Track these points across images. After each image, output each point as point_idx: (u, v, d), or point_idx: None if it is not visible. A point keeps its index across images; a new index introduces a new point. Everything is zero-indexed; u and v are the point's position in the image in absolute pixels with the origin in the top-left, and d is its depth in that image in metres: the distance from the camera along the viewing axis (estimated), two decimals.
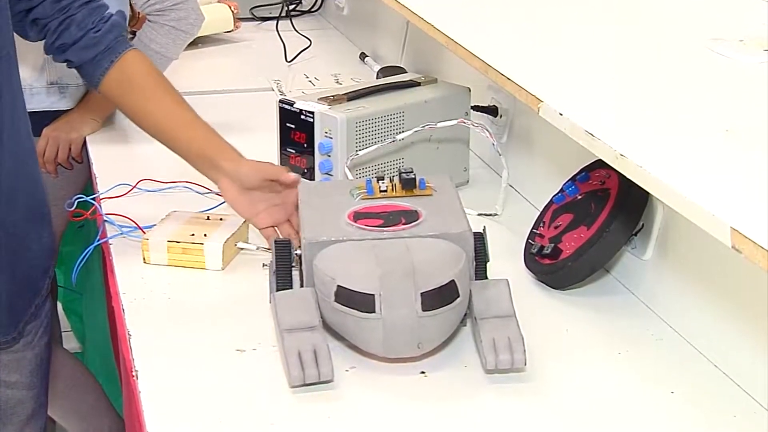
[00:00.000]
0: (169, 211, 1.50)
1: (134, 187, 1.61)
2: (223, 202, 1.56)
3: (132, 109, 1.44)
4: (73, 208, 1.52)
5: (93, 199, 1.55)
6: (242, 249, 1.44)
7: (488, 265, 1.26)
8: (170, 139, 1.42)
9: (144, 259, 1.41)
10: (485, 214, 1.56)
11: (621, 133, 1.18)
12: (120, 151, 1.86)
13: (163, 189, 1.62)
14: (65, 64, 1.45)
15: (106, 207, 1.56)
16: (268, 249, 1.42)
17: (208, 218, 1.47)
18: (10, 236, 1.41)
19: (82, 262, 1.48)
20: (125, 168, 1.73)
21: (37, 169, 1.49)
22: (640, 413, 1.11)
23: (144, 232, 1.44)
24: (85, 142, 1.93)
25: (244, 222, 1.45)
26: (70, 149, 1.93)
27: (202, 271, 1.40)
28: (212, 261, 1.39)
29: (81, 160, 1.96)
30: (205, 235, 1.41)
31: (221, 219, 1.46)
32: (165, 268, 1.41)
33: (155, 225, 1.45)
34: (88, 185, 1.97)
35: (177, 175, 1.63)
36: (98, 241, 1.49)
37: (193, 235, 1.41)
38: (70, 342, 2.54)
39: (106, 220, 1.51)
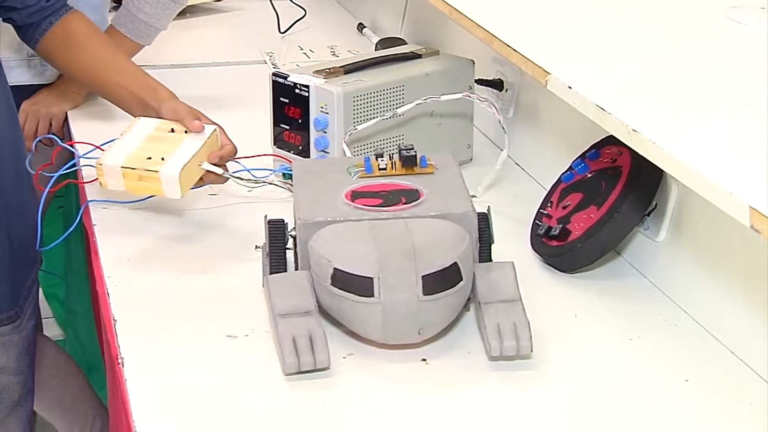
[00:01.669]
0: None
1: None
2: None
3: (66, 63, 1.54)
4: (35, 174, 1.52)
5: (72, 175, 1.54)
6: (207, 171, 1.40)
7: (493, 246, 1.27)
8: (103, 86, 1.52)
9: (101, 184, 1.38)
10: None
11: (633, 107, 1.18)
12: (103, 127, 1.86)
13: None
14: (4, 20, 1.52)
15: (90, 191, 1.56)
16: (238, 177, 1.44)
17: (172, 130, 1.42)
18: (6, 203, 1.44)
19: (62, 239, 1.48)
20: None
21: (20, 135, 1.55)
22: (652, 402, 1.11)
23: (103, 150, 1.41)
24: (66, 118, 1.93)
25: (210, 136, 1.42)
26: (50, 125, 1.93)
27: (192, 254, 1.40)
28: (170, 189, 1.36)
29: (62, 136, 1.96)
30: (162, 159, 1.37)
31: (186, 132, 1.42)
32: (152, 251, 1.41)
33: (112, 143, 1.41)
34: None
35: None
36: (77, 221, 1.49)
37: (150, 158, 1.37)
38: (52, 329, 2.54)
39: (68, 148, 1.52)
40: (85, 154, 1.48)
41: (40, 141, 1.93)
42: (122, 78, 1.49)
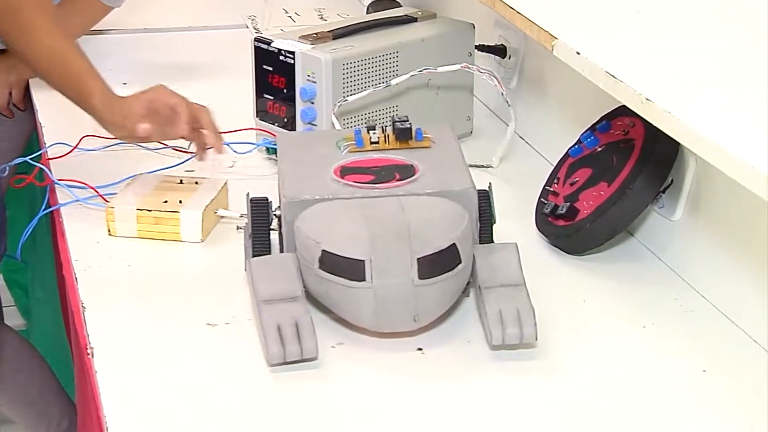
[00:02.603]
0: (123, 171, 1.50)
1: (75, 147, 1.61)
2: (188, 159, 1.57)
3: (6, 34, 1.50)
4: (5, 174, 1.52)
5: (36, 159, 1.54)
6: (223, 217, 1.44)
7: (494, 226, 1.28)
8: (44, 72, 1.49)
9: (109, 230, 1.41)
10: (477, 166, 1.56)
11: (647, 74, 1.19)
12: None
13: (110, 146, 1.62)
14: None
15: (56, 170, 1.56)
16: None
17: (181, 182, 1.47)
18: None
19: (29, 233, 1.49)
20: (76, 116, 1.73)
21: None
22: (667, 394, 1.12)
23: (106, 201, 1.44)
24: (28, 86, 1.93)
25: (224, 185, 1.46)
26: (10, 94, 1.93)
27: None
28: (190, 232, 1.39)
29: (24, 107, 1.96)
30: (180, 201, 1.41)
31: (197, 183, 1.46)
32: None
33: (117, 193, 1.45)
34: (33, 136, 1.97)
35: None
36: (49, 208, 1.50)
37: (166, 202, 1.41)
38: (13, 318, 2.55)
39: (56, 183, 1.51)
40: (85, 199, 1.48)
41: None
42: (67, 67, 1.47)
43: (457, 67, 1.52)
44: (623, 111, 1.37)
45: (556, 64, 1.34)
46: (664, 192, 1.35)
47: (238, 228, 1.38)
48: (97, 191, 1.48)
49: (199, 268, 1.36)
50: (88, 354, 1.19)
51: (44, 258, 2.06)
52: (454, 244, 1.18)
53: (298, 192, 1.24)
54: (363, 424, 1.08)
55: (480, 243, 1.25)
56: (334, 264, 1.17)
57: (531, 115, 1.66)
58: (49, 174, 1.52)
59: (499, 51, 1.75)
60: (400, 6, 1.94)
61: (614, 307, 1.27)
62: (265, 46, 1.56)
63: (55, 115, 1.77)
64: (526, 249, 1.25)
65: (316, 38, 1.55)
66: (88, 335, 1.22)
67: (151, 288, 1.31)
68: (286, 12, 2.23)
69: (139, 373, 1.15)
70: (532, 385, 1.13)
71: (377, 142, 1.32)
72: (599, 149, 1.40)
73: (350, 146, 1.32)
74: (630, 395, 1.12)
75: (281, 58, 1.54)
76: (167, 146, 1.62)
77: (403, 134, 1.32)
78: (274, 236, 1.28)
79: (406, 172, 1.27)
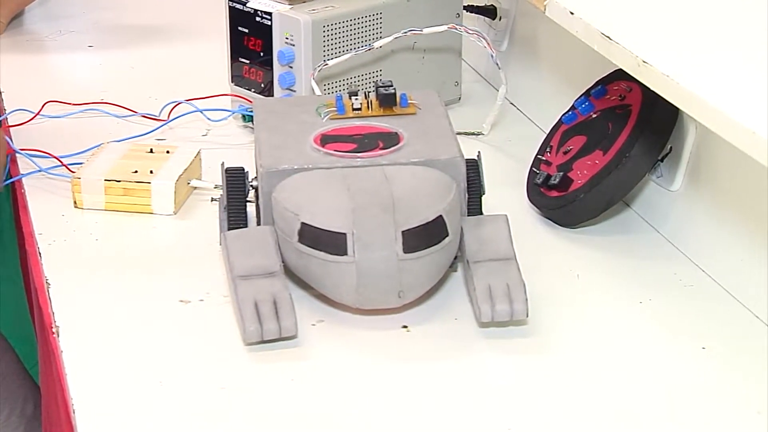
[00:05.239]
0: (89, 139, 1.50)
1: (38, 113, 1.61)
2: (160, 126, 1.58)
3: None
4: None
5: None
6: (196, 188, 1.44)
7: (483, 198, 1.28)
8: None
9: (75, 202, 1.41)
10: (466, 133, 1.57)
11: (644, 35, 1.19)
12: (31, 60, 1.86)
13: (75, 113, 1.62)
14: None
15: (17, 138, 1.56)
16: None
17: (151, 150, 1.47)
18: None
19: None
20: (38, 81, 1.74)
21: None
22: (665, 373, 1.13)
23: (71, 171, 1.45)
24: None
25: (197, 155, 1.46)
26: None
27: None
28: (161, 203, 1.40)
29: None
30: (151, 171, 1.41)
31: (168, 152, 1.47)
32: None
33: (83, 162, 1.45)
34: None
35: (98, 92, 1.63)
36: (10, 179, 1.50)
37: (136, 172, 1.41)
38: None
39: (18, 152, 1.51)
40: (48, 168, 1.48)
41: None
42: None
43: (444, 27, 1.52)
44: (620, 75, 1.37)
45: (549, 25, 1.35)
46: (662, 161, 1.36)
47: (212, 200, 1.38)
48: (61, 161, 1.48)
49: (171, 242, 1.36)
50: (53, 333, 1.20)
51: (6, 232, 2.06)
52: (440, 216, 1.19)
53: (275, 161, 1.24)
54: (345, 405, 1.09)
55: (468, 215, 1.26)
56: (314, 237, 1.17)
57: (522, 80, 1.66)
58: (10, 143, 1.52)
59: (489, 12, 1.75)
60: None
61: (609, 281, 1.28)
62: (240, 6, 1.56)
63: (16, 79, 1.77)
64: (516, 221, 1.26)
65: None
66: (53, 313, 1.22)
67: (120, 263, 1.31)
68: None
69: (107, 353, 1.16)
70: (523, 364, 1.14)
71: (359, 109, 1.33)
72: (594, 116, 1.41)
73: (331, 113, 1.33)
74: (626, 375, 1.13)
75: (257, 19, 1.54)
76: (136, 113, 1.62)
77: (387, 100, 1.32)
78: (250, 208, 1.29)
79: (390, 140, 1.27)
